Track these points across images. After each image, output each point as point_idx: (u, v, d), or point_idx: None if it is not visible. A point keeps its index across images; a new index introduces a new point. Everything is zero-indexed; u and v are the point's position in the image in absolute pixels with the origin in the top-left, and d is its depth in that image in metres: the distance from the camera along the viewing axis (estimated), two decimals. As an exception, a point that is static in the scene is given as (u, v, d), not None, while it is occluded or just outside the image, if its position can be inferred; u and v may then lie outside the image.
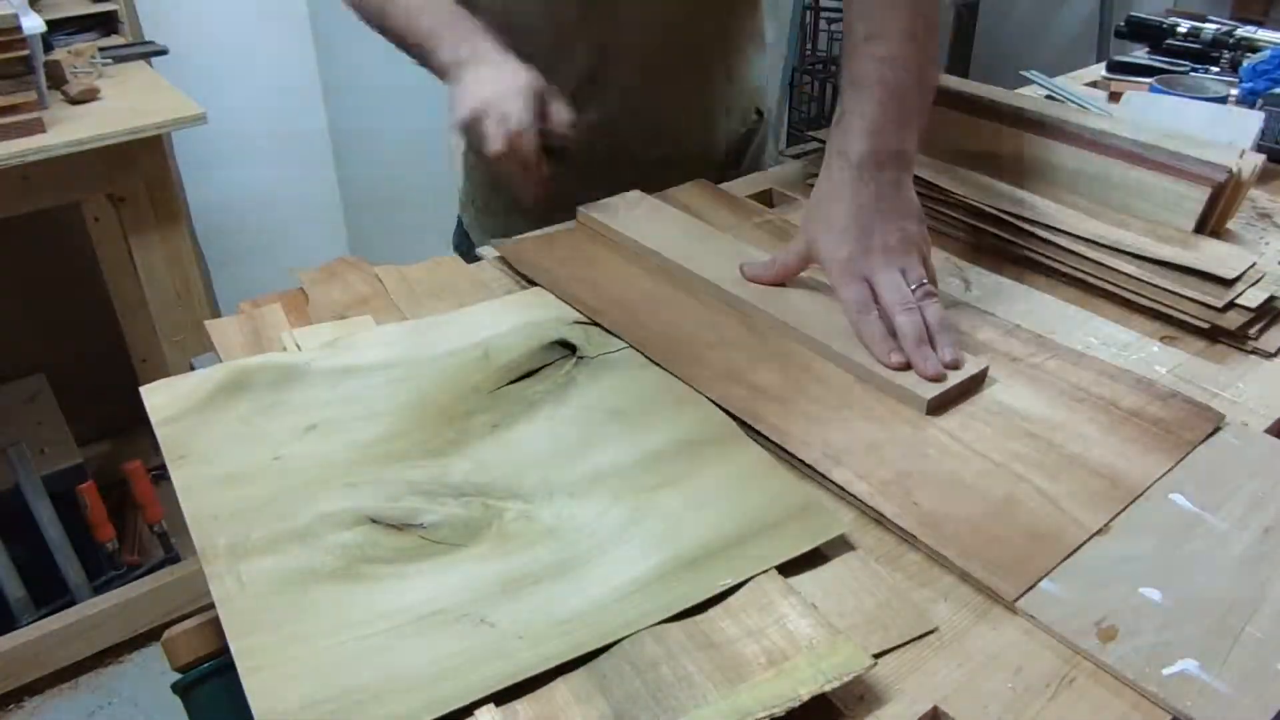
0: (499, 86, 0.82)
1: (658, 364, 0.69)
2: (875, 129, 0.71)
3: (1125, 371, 0.70)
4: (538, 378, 0.67)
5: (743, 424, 0.64)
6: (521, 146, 0.80)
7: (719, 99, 1.06)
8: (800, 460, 0.61)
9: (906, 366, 0.67)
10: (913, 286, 0.70)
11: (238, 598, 0.50)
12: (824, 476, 0.60)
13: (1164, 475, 0.60)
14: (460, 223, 1.17)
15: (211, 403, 0.63)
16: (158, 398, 0.64)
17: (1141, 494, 0.58)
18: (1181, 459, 0.61)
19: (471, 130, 0.83)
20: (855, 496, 0.58)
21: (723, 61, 1.04)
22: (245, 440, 0.61)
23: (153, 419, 0.62)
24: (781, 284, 0.77)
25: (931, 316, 0.69)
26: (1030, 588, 0.52)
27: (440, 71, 0.88)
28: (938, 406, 0.65)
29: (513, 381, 0.67)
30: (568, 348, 0.70)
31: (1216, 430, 0.64)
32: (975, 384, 0.67)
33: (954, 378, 0.66)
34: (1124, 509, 0.57)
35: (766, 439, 0.63)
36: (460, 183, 1.17)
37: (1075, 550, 0.54)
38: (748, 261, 0.78)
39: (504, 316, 0.73)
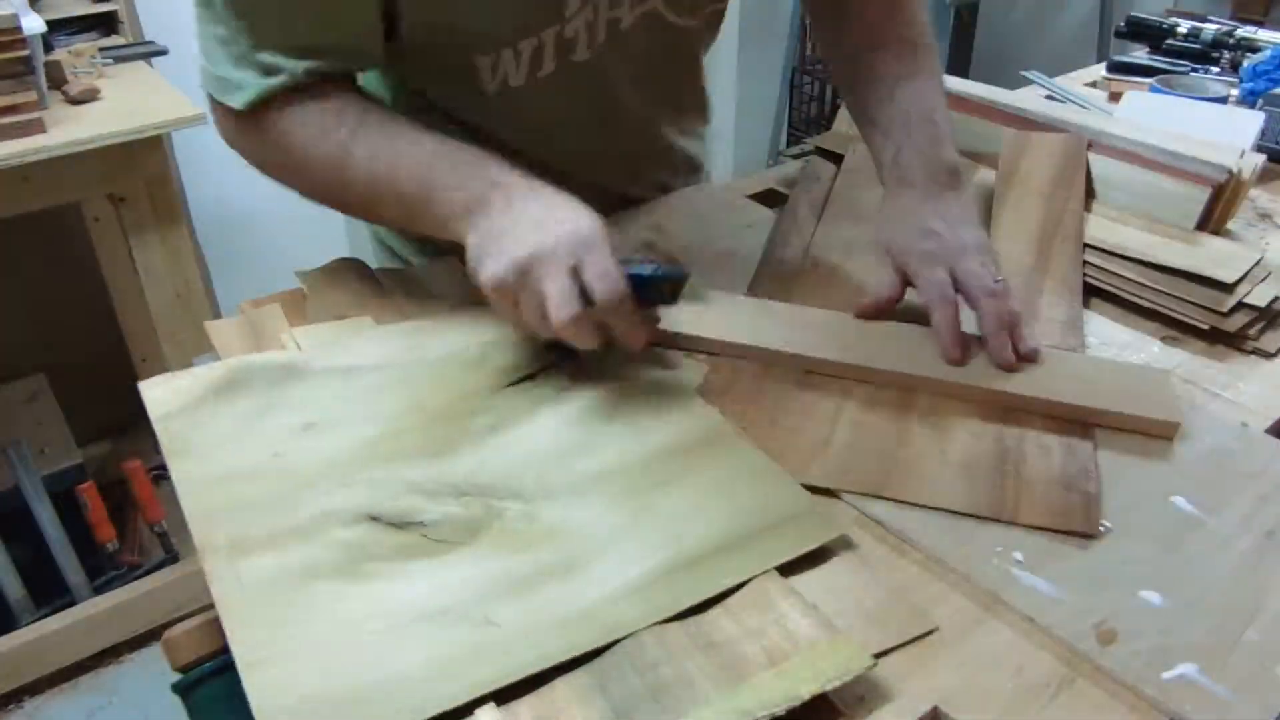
0: (563, 227, 0.62)
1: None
2: (928, 157, 0.76)
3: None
4: (537, 380, 0.67)
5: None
6: (616, 298, 0.61)
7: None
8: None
9: (962, 362, 0.67)
10: (996, 279, 0.70)
11: (237, 594, 0.50)
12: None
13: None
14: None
15: (210, 399, 0.63)
16: (156, 393, 0.64)
17: None
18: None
19: (520, 283, 0.61)
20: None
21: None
22: (244, 437, 0.61)
23: (151, 414, 0.62)
24: (887, 314, 0.73)
25: (1014, 307, 0.69)
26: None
27: (444, 222, 0.67)
28: None
29: (512, 384, 0.67)
30: (567, 349, 0.69)
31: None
32: None
33: None
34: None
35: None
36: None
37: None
38: (858, 302, 0.74)
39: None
